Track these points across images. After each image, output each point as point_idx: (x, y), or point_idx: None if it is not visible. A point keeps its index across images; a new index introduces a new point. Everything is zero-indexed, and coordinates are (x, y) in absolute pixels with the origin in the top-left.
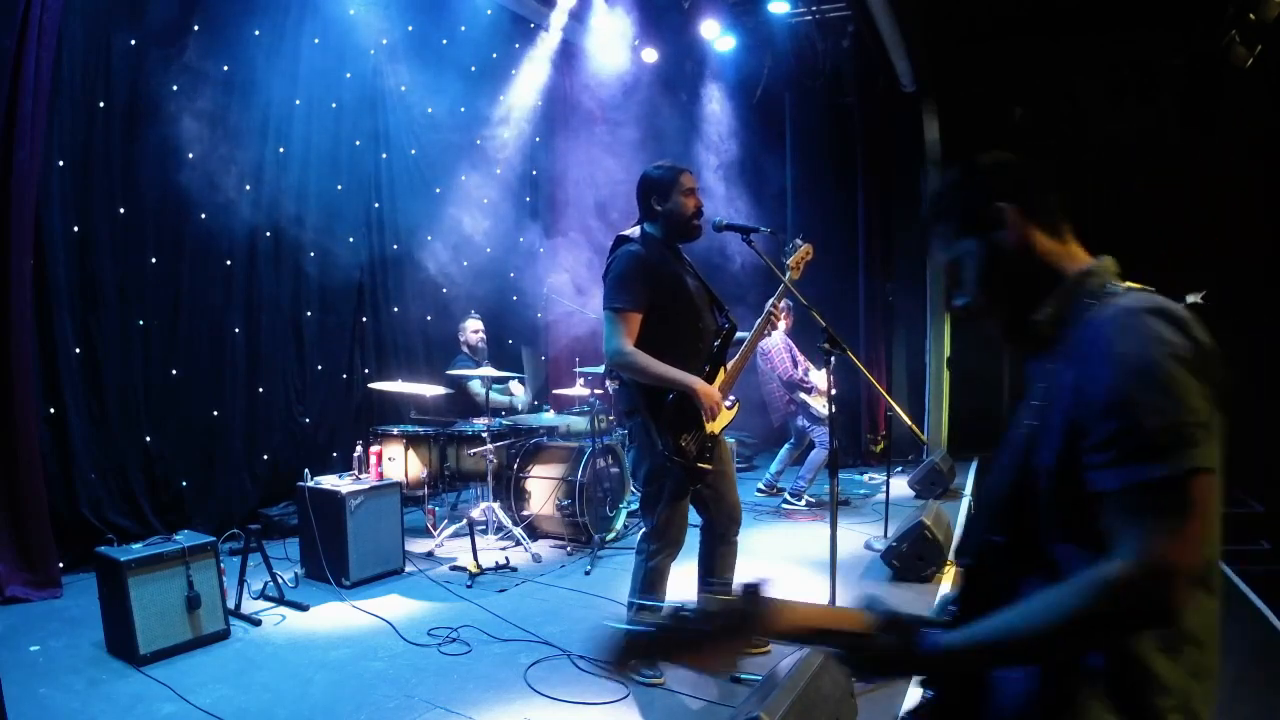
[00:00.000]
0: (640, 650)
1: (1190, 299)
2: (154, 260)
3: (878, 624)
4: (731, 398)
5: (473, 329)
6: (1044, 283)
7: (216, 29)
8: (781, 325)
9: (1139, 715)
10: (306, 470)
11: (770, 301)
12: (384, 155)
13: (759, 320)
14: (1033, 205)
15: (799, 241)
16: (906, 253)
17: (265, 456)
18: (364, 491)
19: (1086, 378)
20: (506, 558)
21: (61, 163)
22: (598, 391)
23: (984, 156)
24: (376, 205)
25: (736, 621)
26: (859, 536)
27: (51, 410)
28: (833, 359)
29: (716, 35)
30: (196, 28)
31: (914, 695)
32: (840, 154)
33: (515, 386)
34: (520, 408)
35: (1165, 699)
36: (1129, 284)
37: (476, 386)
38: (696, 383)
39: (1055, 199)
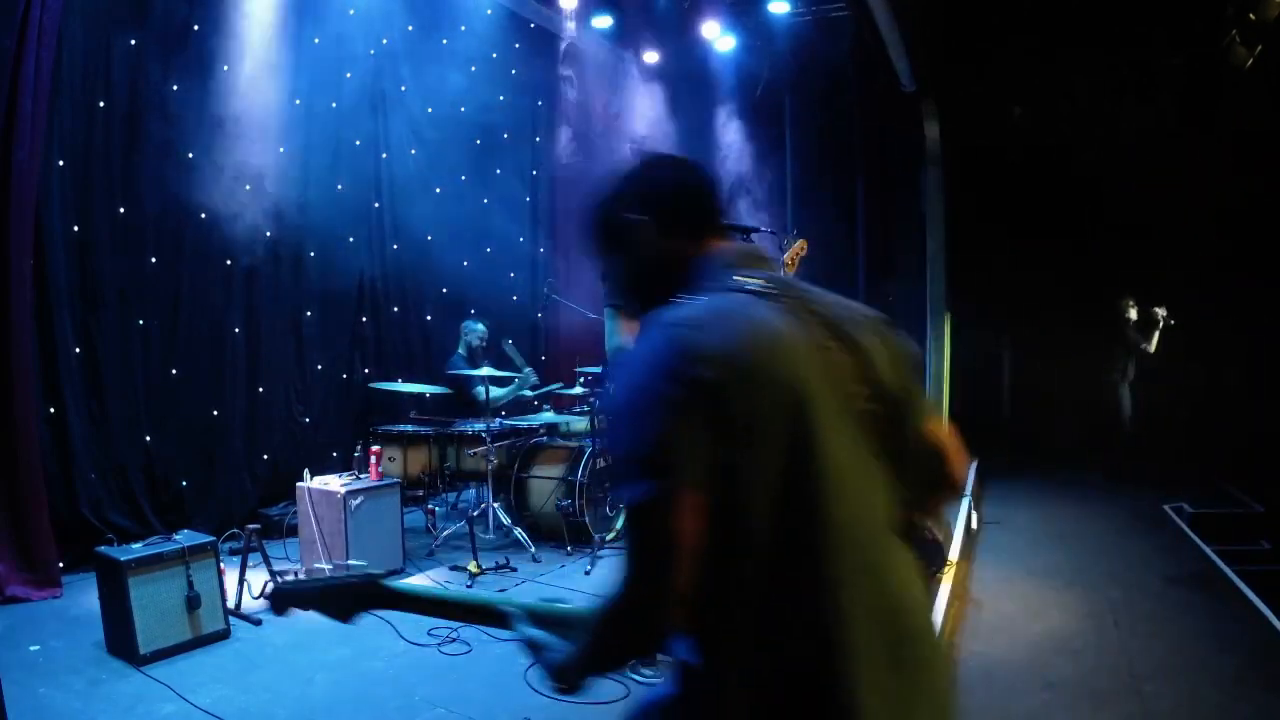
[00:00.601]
0: (291, 600)
1: (1159, 312)
2: (154, 260)
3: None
4: None
5: (478, 332)
6: (671, 289)
7: (216, 29)
8: None
9: None
10: (306, 470)
11: None
12: (384, 155)
13: None
14: (664, 214)
15: (793, 236)
16: (906, 252)
17: (265, 456)
18: (364, 491)
19: None
20: (506, 558)
21: (61, 163)
22: (598, 391)
23: (620, 171)
24: (376, 205)
25: (357, 590)
26: None
27: (51, 410)
28: None
29: (716, 35)
30: (196, 28)
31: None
32: (840, 154)
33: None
34: (527, 379)
35: None
36: (737, 273)
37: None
38: None
39: (695, 202)
